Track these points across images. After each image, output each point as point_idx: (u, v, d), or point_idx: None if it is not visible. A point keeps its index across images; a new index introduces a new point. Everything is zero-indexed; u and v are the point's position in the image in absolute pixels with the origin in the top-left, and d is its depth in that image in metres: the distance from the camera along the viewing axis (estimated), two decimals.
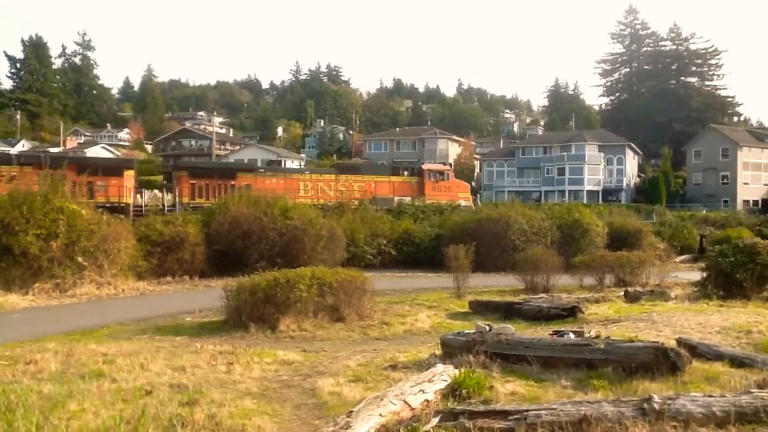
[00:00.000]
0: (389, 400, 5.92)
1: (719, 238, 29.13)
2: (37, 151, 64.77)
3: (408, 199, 39.07)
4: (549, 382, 7.44)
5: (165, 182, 43.12)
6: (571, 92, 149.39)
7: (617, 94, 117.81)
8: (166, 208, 32.26)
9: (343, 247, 23.71)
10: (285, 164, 65.71)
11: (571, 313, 13.57)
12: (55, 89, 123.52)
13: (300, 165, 74.20)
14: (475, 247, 19.83)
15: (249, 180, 35.87)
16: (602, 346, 7.92)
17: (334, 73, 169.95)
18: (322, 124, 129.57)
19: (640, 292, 17.36)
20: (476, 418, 5.57)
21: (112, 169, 34.31)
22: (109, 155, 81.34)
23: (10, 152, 56.85)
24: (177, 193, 34.42)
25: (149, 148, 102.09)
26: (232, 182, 35.30)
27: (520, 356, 8.24)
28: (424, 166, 46.16)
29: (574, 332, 9.53)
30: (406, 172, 42.93)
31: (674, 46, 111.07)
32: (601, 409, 5.53)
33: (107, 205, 28.24)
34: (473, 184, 69.33)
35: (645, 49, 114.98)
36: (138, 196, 34.78)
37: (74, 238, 18.55)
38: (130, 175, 33.92)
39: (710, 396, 5.87)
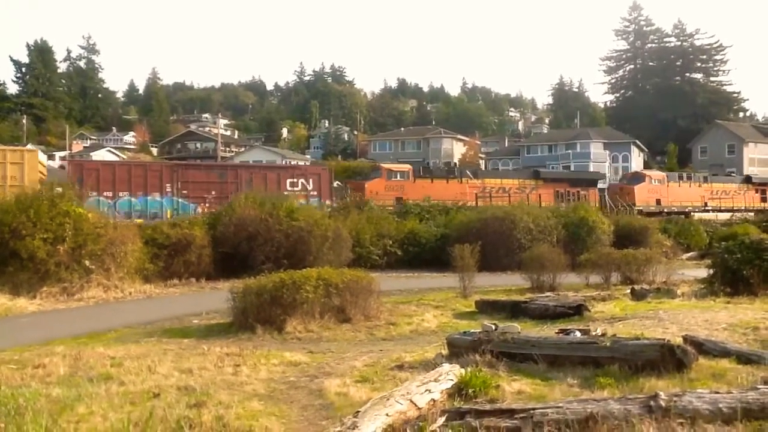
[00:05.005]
0: (396, 399, 5.94)
1: (726, 234, 29.06)
2: None
3: None
4: (555, 380, 7.45)
5: None
6: (576, 90, 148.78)
7: (622, 91, 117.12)
8: None
9: (349, 247, 23.66)
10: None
11: (577, 311, 13.57)
12: (60, 93, 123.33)
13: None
14: (481, 247, 19.76)
15: None
16: (608, 344, 7.93)
17: (338, 73, 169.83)
18: (326, 124, 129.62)
19: (647, 290, 17.31)
20: (483, 417, 5.57)
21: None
22: (115, 158, 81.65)
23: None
24: None
25: (155, 150, 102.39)
26: None
27: (527, 355, 8.25)
28: None
29: (580, 330, 9.54)
30: None
31: (679, 43, 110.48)
32: (608, 407, 5.53)
33: None
34: None
35: (649, 45, 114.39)
36: None
37: (81, 242, 18.57)
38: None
39: (717, 393, 5.85)
